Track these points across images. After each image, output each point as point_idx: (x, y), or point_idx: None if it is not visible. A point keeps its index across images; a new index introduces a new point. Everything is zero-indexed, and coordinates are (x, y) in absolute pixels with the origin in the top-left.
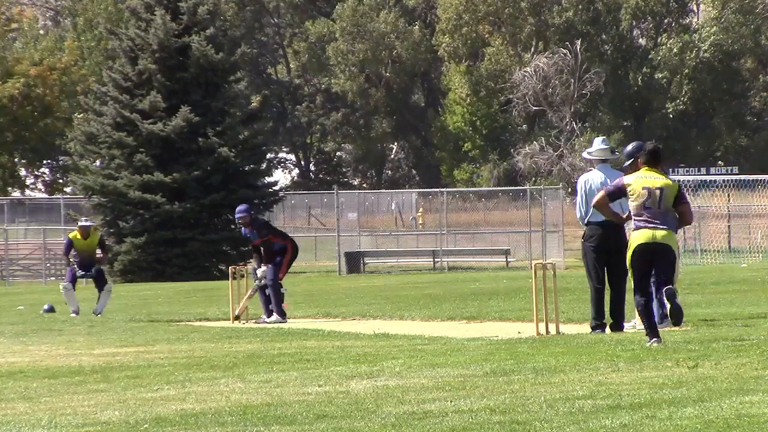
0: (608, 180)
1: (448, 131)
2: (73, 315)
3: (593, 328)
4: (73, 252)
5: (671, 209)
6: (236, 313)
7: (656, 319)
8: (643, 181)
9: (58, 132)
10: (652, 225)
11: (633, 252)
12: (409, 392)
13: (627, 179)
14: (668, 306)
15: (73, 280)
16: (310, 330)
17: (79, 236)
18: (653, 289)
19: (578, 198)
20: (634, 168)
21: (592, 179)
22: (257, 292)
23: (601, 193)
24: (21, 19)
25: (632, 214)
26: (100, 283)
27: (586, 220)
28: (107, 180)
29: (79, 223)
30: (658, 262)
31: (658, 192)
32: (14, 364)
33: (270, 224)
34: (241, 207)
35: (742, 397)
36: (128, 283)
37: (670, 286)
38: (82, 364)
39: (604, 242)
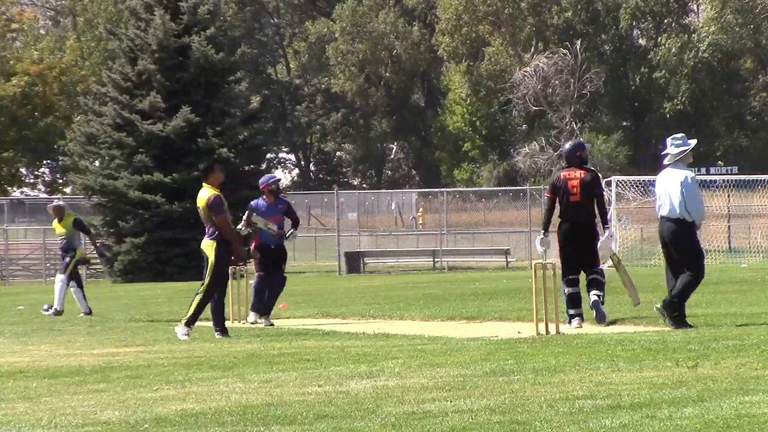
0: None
1: (447, 131)
2: (83, 315)
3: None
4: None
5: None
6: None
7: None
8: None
9: (58, 132)
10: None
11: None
12: (409, 392)
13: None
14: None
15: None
16: (310, 330)
17: (55, 218)
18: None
19: (695, 196)
20: (573, 165)
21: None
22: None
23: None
24: (21, 19)
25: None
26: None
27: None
28: (107, 180)
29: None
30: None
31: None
32: (14, 364)
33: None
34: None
35: (742, 397)
36: (128, 283)
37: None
38: (82, 364)
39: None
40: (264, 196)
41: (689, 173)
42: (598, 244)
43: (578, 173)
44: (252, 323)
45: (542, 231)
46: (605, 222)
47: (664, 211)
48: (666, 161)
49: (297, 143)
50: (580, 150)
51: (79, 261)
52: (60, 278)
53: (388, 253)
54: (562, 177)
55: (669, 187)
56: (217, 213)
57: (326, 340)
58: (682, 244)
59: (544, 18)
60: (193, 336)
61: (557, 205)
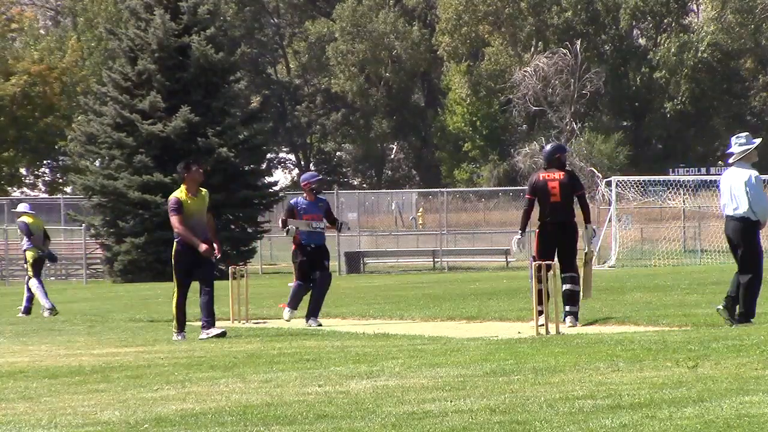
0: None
1: (448, 131)
2: (21, 313)
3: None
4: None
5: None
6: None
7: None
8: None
9: (58, 132)
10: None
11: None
12: (409, 392)
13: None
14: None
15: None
16: (310, 330)
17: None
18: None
19: (761, 195)
20: (553, 166)
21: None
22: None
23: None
24: (21, 19)
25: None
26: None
27: None
28: (107, 180)
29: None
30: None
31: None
32: (14, 364)
33: None
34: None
35: (742, 397)
36: (128, 283)
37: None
38: (82, 364)
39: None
40: (304, 194)
41: (754, 172)
42: (581, 238)
43: (557, 174)
44: (287, 320)
45: (520, 231)
46: (587, 220)
47: (729, 211)
48: (730, 160)
49: (297, 143)
50: (560, 153)
51: (36, 262)
52: (33, 282)
53: (388, 253)
54: (541, 178)
55: (734, 186)
56: (170, 214)
57: (326, 340)
58: (744, 243)
59: (544, 18)
60: (192, 336)
61: (536, 206)
